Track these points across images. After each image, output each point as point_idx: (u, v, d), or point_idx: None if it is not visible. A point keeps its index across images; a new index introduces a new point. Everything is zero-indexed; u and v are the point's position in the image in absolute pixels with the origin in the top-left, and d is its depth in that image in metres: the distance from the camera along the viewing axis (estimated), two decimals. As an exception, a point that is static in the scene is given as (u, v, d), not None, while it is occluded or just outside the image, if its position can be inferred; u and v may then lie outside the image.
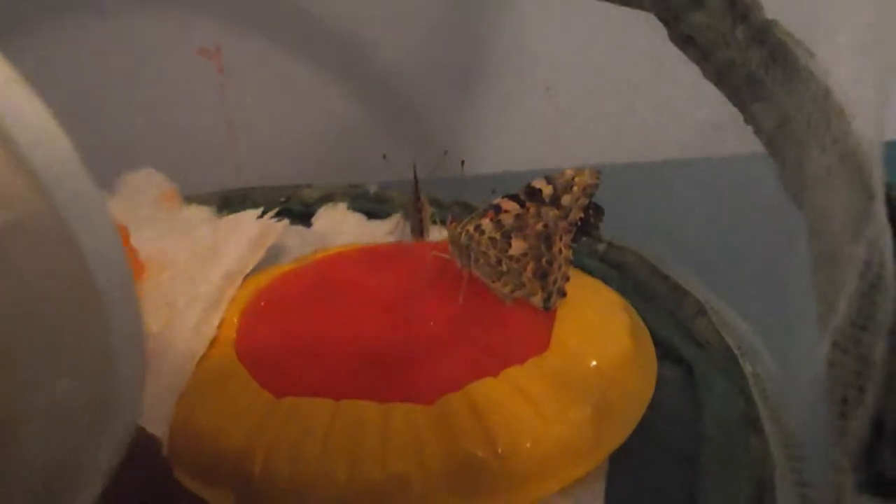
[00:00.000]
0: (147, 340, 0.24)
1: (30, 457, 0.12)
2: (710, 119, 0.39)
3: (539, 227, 0.23)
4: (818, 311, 0.14)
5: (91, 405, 0.12)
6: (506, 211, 0.23)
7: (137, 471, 0.17)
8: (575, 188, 0.23)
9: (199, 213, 0.32)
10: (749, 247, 0.30)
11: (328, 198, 0.34)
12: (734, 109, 0.22)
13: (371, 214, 0.34)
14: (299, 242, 0.32)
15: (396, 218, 0.32)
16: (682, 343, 0.24)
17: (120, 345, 0.12)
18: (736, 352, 0.22)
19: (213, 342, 0.23)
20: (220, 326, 0.24)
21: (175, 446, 0.20)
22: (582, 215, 0.23)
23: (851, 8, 0.17)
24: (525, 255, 0.23)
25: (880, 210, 0.12)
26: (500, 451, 0.19)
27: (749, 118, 0.21)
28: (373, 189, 0.35)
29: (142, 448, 0.18)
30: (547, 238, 0.23)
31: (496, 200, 0.23)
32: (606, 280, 0.26)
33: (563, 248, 0.23)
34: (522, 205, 0.23)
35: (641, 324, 0.24)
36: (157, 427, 0.21)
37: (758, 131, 0.20)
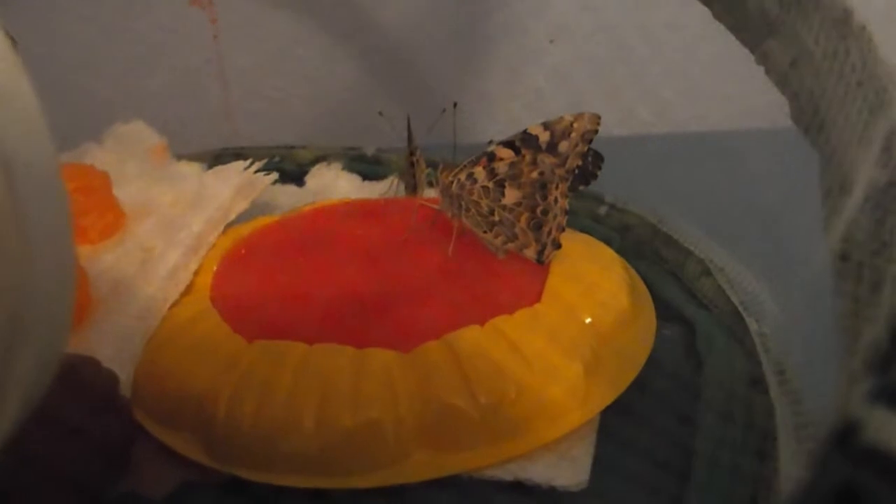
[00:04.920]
0: (120, 284, 0.23)
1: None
2: (724, 91, 0.38)
3: (534, 175, 0.21)
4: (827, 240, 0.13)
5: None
6: (500, 158, 0.22)
7: (89, 403, 0.16)
8: (573, 134, 0.22)
9: (189, 169, 0.31)
10: (760, 216, 0.29)
11: (323, 159, 0.33)
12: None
13: (367, 177, 0.32)
14: (290, 201, 0.30)
15: (391, 179, 0.31)
16: (685, 303, 0.22)
17: (40, 247, 0.11)
18: (741, 311, 0.20)
19: (188, 288, 0.22)
20: (197, 273, 0.23)
21: (139, 389, 0.19)
22: (580, 163, 0.22)
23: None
24: (519, 204, 0.22)
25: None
26: (482, 400, 0.17)
27: (761, 57, 0.19)
28: (370, 151, 0.34)
29: (95, 381, 0.16)
30: (542, 187, 0.21)
31: (490, 148, 0.22)
32: (608, 242, 0.25)
33: (559, 198, 0.21)
34: (518, 152, 0.22)
35: (640, 282, 0.22)
36: (123, 369, 0.19)
37: (769, 70, 0.19)
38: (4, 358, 0.12)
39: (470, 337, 0.19)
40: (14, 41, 0.24)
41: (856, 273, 0.10)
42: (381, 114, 0.27)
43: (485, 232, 0.22)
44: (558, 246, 0.21)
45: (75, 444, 0.15)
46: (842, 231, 0.11)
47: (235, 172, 0.27)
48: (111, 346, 0.20)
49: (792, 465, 0.16)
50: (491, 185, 0.22)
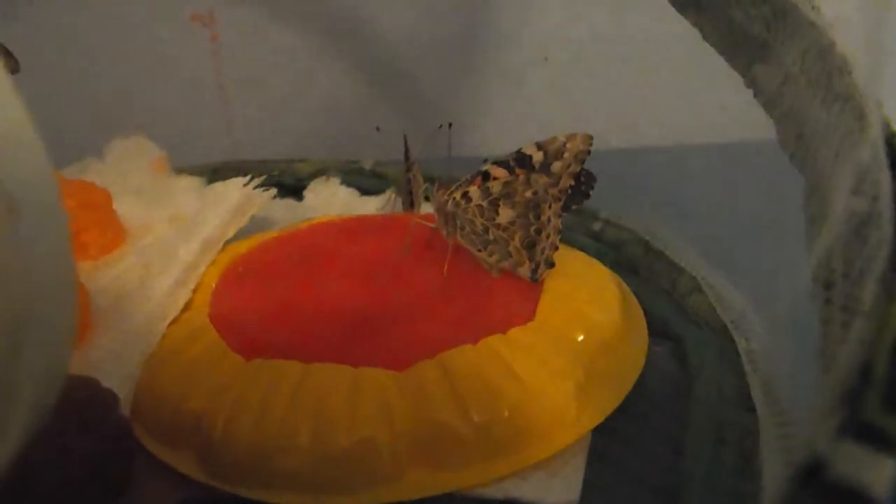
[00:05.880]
0: (120, 301, 0.23)
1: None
2: (719, 100, 0.38)
3: (528, 194, 0.22)
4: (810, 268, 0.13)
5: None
6: (494, 178, 0.22)
7: (89, 423, 0.16)
8: (566, 154, 0.22)
9: (189, 183, 0.31)
10: (752, 230, 0.29)
11: (322, 172, 0.34)
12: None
13: (365, 190, 0.33)
14: (289, 215, 0.31)
15: (389, 193, 0.31)
16: (676, 320, 0.22)
17: (41, 276, 0.11)
18: (731, 328, 0.21)
19: (187, 305, 0.23)
20: (196, 290, 0.23)
21: (138, 406, 0.20)
22: (573, 182, 0.22)
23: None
24: (513, 223, 0.22)
25: (876, 144, 0.11)
26: (475, 419, 0.18)
27: (749, 81, 0.20)
28: (368, 165, 0.34)
29: (94, 400, 0.17)
30: (536, 206, 0.22)
31: (485, 167, 0.23)
32: (601, 258, 0.25)
33: (552, 217, 0.22)
34: (512, 171, 0.22)
35: (633, 299, 0.23)
36: (123, 386, 0.20)
37: (758, 93, 0.19)
38: (7, 381, 0.12)
39: (463, 356, 0.19)
40: (16, 62, 0.25)
41: (828, 308, 0.10)
42: (378, 129, 0.28)
43: (479, 250, 0.22)
44: (552, 265, 0.22)
45: (75, 464, 0.16)
46: (817, 262, 0.11)
47: (234, 189, 0.27)
48: (111, 364, 0.21)
49: (776, 483, 0.16)
50: (485, 203, 0.22)
